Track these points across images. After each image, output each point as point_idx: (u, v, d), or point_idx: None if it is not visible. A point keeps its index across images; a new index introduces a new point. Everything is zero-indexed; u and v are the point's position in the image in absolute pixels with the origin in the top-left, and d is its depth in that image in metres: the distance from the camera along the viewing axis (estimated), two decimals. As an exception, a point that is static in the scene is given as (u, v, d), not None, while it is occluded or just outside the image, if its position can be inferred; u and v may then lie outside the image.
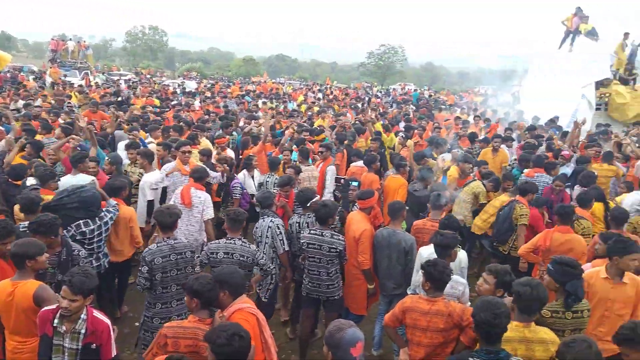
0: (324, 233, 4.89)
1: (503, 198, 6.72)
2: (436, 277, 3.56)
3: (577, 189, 7.14)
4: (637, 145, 9.22)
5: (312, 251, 4.93)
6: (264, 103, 19.04)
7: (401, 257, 4.94)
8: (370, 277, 5.25)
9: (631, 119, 14.55)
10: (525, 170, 7.89)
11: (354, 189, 6.20)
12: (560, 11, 17.15)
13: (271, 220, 5.26)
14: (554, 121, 13.25)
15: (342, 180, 7.51)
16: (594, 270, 4.31)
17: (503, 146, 9.37)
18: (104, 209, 5.15)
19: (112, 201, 5.32)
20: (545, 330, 3.34)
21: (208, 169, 6.57)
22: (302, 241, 5.04)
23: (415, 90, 36.73)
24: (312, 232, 4.98)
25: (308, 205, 5.48)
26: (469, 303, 4.03)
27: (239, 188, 6.98)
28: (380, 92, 36.44)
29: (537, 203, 6.54)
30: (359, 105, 21.03)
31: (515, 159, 8.98)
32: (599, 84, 14.80)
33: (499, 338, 3.01)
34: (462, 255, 4.59)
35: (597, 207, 6.40)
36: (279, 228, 5.23)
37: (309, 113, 16.11)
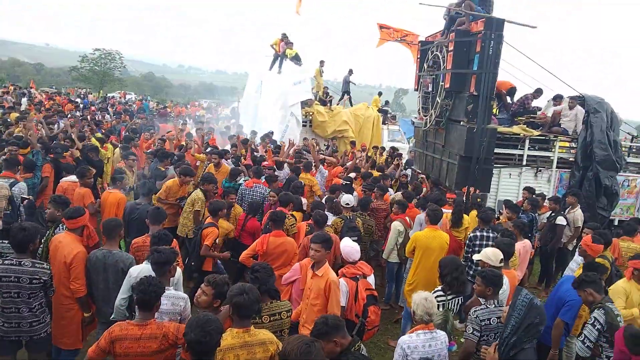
0: (22, 262, 4.15)
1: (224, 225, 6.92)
2: (143, 297, 3.38)
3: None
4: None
5: (8, 285, 4.12)
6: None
7: (119, 279, 4.55)
8: (86, 305, 4.75)
9: (330, 134, 17.03)
10: (245, 180, 8.37)
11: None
12: (271, 35, 18.66)
13: None
14: (269, 136, 14.45)
15: (25, 201, 6.45)
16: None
17: (224, 160, 9.69)
18: None
19: None
20: (263, 332, 3.51)
21: None
22: (-9, 274, 4.16)
23: (143, 100, 35.41)
24: (6, 262, 4.16)
25: None
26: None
27: None
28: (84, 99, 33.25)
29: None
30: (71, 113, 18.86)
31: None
32: (304, 104, 16.78)
33: (210, 354, 3.03)
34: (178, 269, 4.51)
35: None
36: None
37: (7, 119, 13.65)
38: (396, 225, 7.16)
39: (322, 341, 3.28)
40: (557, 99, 11.33)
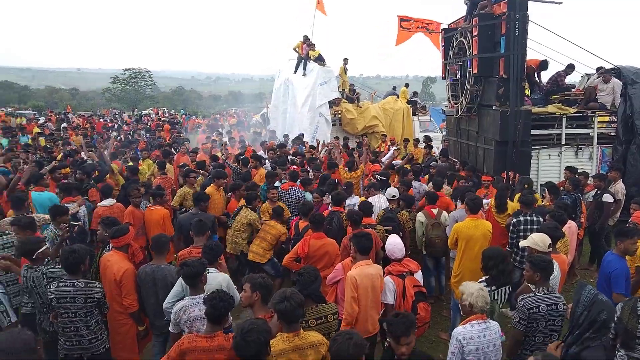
0: (75, 283, 4.32)
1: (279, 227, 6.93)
2: (212, 312, 3.44)
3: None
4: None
5: (65, 305, 4.31)
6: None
7: (169, 293, 4.69)
8: (140, 319, 4.93)
9: (360, 131, 16.95)
10: (279, 184, 8.44)
11: None
12: (295, 39, 18.71)
13: None
14: (300, 138, 14.54)
15: (75, 227, 6.53)
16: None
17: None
18: None
19: None
20: (313, 334, 3.53)
21: None
22: (50, 297, 4.35)
23: (186, 114, 36.49)
24: (61, 284, 4.34)
25: None
26: None
27: None
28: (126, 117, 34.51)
29: None
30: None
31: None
32: (332, 103, 16.79)
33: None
34: (222, 278, 4.58)
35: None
36: None
37: (48, 146, 14.24)
38: (418, 217, 7.14)
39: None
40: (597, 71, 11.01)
